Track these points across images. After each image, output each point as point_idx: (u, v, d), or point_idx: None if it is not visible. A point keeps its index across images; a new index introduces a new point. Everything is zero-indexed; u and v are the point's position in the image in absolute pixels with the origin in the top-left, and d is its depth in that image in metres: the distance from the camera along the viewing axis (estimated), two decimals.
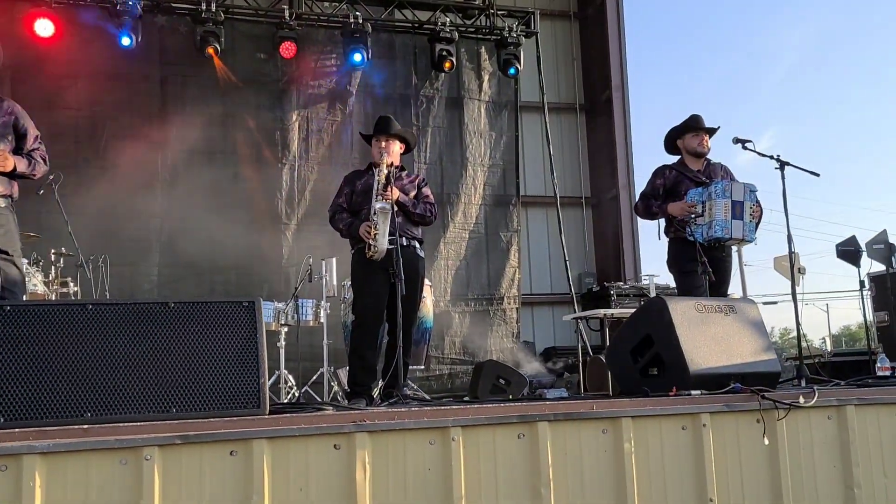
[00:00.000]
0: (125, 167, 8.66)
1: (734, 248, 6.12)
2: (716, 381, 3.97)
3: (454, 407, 3.66)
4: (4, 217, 4.39)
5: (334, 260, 7.56)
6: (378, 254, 5.23)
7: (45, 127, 4.81)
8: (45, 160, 4.66)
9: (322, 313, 7.56)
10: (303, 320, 7.57)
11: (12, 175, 4.44)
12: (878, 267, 8.04)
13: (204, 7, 8.82)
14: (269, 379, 3.45)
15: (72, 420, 2.97)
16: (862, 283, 7.71)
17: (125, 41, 8.55)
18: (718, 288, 5.69)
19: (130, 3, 8.57)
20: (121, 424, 2.96)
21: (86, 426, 2.93)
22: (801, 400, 3.74)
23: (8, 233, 4.38)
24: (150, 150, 8.82)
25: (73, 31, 8.67)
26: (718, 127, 6.06)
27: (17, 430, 2.85)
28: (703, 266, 5.46)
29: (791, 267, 5.77)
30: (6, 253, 4.31)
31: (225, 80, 9.13)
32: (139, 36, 8.67)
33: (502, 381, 7.06)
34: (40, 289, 6.69)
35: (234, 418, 3.12)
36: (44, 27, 8.31)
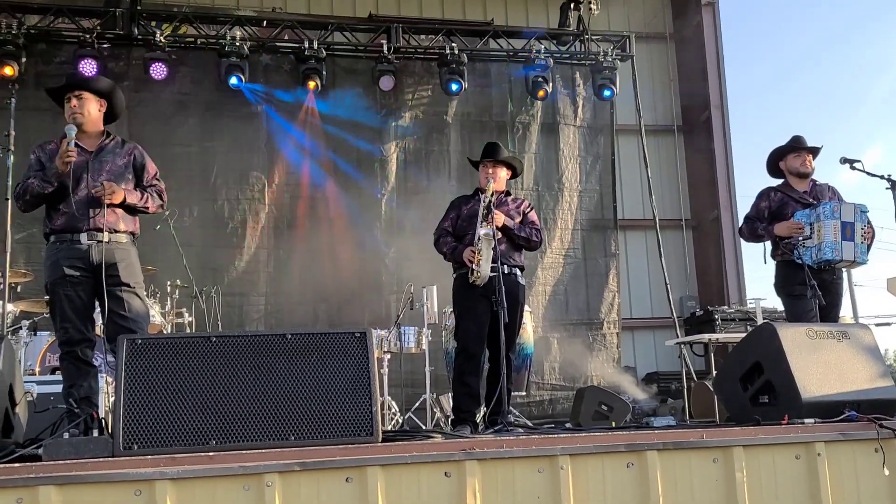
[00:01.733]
0: (234, 200, 9.06)
1: (845, 269, 5.94)
2: (830, 409, 3.86)
3: (562, 435, 3.66)
4: (127, 252, 4.62)
5: (434, 288, 7.65)
6: (481, 279, 5.28)
7: (158, 162, 5.05)
8: (160, 195, 4.86)
9: (424, 340, 7.65)
10: (405, 347, 7.67)
11: (131, 211, 4.69)
12: None
13: (306, 45, 9.16)
14: None
15: (198, 447, 3.08)
16: None
17: (233, 80, 8.94)
18: (829, 312, 5.54)
19: (237, 43, 8.98)
20: (244, 452, 3.07)
21: (211, 453, 3.03)
22: None
23: (130, 266, 4.60)
24: (256, 184, 9.18)
25: (184, 72, 9.13)
26: (821, 146, 5.92)
27: (149, 456, 2.99)
28: (813, 290, 5.31)
29: None
30: (128, 285, 4.55)
31: (325, 114, 9.43)
32: (246, 75, 9.04)
33: (605, 408, 6.99)
34: (157, 319, 7.00)
35: (349, 446, 3.19)
36: (158, 71, 8.77)
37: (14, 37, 8.36)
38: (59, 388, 4.89)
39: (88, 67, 8.55)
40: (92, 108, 4.68)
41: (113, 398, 4.24)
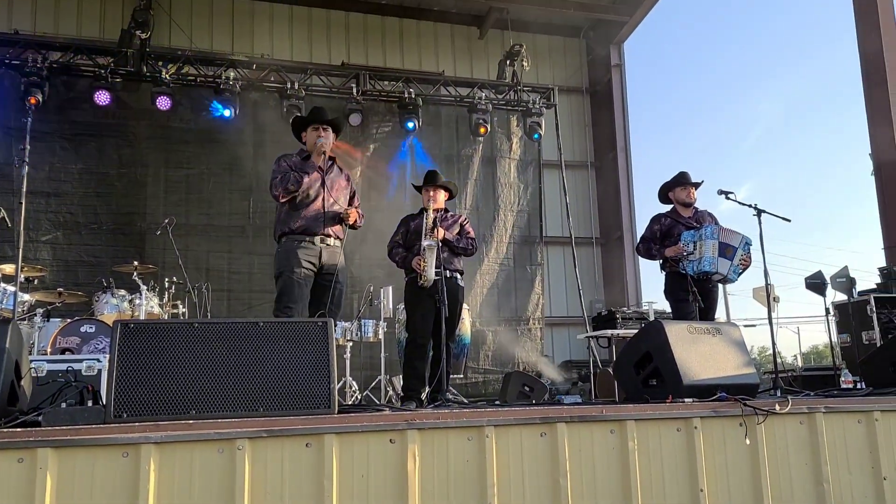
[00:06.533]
0: (223, 213, 8.88)
1: (718, 282, 6.00)
2: (705, 391, 3.87)
3: (488, 409, 3.61)
4: (342, 255, 4.95)
5: (390, 288, 7.59)
6: (427, 282, 5.24)
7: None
8: (362, 216, 5.13)
9: (380, 331, 7.58)
10: (365, 337, 7.58)
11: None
12: (841, 297, 7.85)
13: (289, 86, 9.04)
14: (337, 384, 3.44)
15: (179, 416, 2.97)
16: (827, 311, 7.52)
17: (226, 113, 8.78)
18: (707, 313, 5.59)
19: (230, 82, 8.81)
20: (219, 420, 2.96)
21: (191, 421, 2.92)
22: (777, 407, 3.64)
23: (344, 268, 4.96)
24: (243, 200, 9.00)
25: (185, 104, 8.93)
26: (702, 181, 5.98)
27: (136, 423, 2.87)
28: (694, 295, 5.38)
29: (767, 296, 5.66)
30: (341, 283, 4.92)
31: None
32: (237, 109, 8.88)
33: (527, 388, 6.98)
34: (156, 309, 6.79)
35: (310, 416, 3.10)
36: (163, 103, 8.58)
37: (39, 70, 8.08)
38: (65, 366, 4.70)
39: (102, 98, 8.31)
40: (330, 139, 4.85)
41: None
